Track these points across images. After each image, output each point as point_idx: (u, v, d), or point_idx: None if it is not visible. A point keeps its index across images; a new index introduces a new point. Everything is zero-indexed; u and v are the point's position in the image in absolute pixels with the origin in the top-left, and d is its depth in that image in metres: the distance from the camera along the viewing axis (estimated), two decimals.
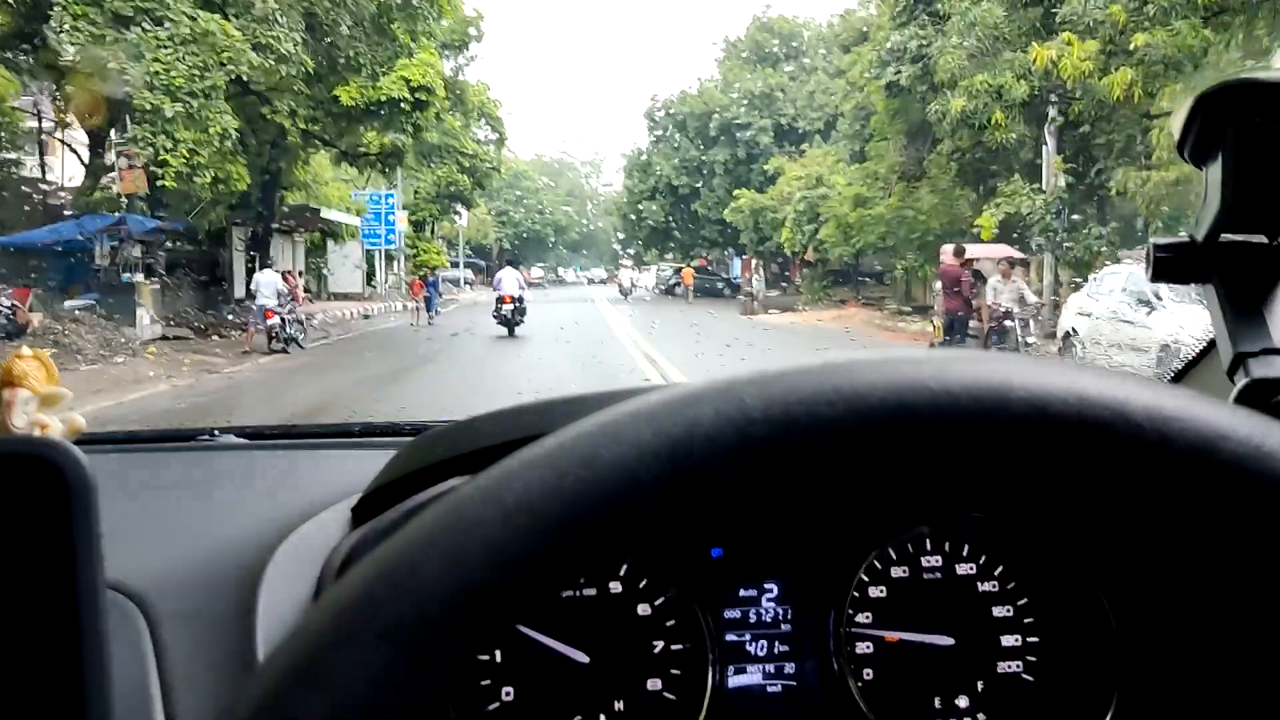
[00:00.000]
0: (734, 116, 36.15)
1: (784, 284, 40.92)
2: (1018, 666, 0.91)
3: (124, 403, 8.91)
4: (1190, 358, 0.97)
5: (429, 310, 18.69)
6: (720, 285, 41.29)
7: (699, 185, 37.28)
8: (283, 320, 13.31)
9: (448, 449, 0.86)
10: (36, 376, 0.78)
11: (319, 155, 22.71)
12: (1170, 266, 0.77)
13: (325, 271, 30.18)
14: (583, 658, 0.86)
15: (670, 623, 0.88)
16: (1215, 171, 0.71)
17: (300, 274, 28.30)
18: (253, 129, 14.85)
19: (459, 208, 38.53)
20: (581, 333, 16.76)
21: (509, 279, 17.03)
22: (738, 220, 32.85)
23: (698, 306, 30.78)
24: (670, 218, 37.99)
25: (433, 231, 36.68)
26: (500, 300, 16.67)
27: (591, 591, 0.88)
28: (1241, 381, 0.71)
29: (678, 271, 39.11)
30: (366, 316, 23.83)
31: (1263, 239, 0.73)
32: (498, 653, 0.85)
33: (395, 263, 34.23)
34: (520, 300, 16.72)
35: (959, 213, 20.30)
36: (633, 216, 39.30)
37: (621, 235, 51.26)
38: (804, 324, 21.29)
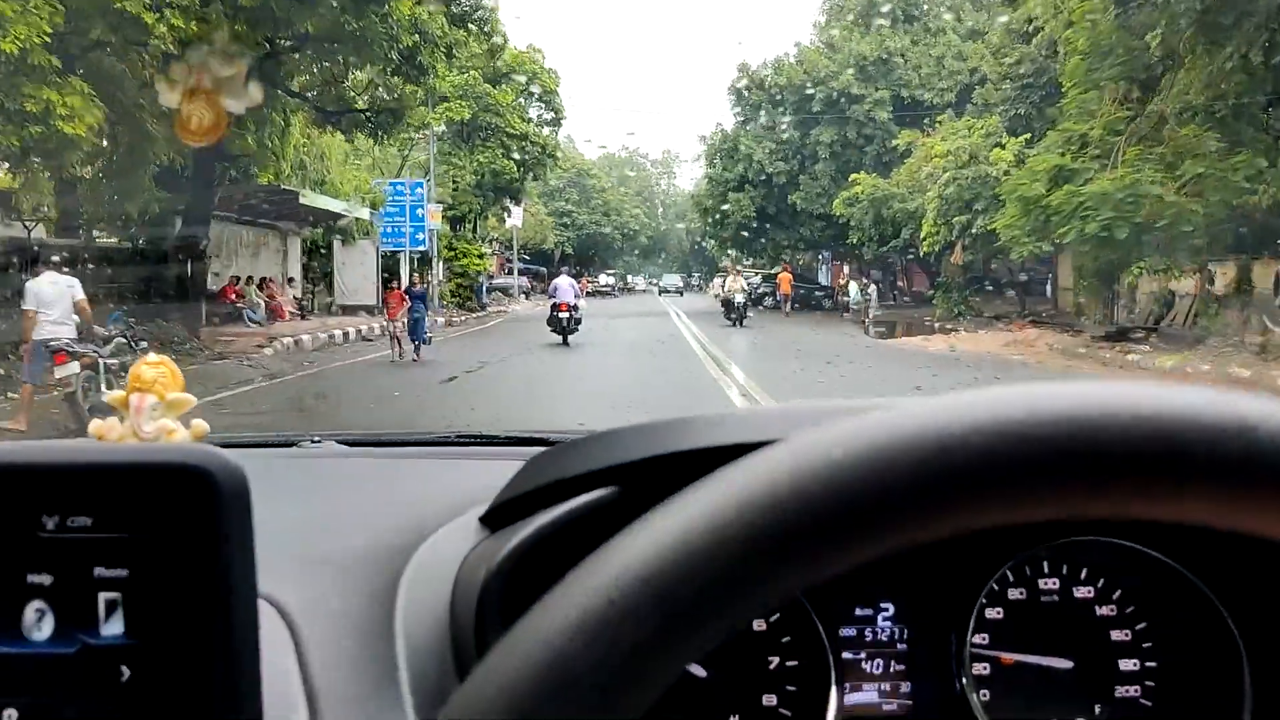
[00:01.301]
0: (843, 87, 29.19)
1: (888, 292, 33.89)
2: (1136, 691, 0.90)
3: None
4: None
5: (414, 339, 12.19)
6: (819, 295, 34.48)
7: (798, 173, 30.36)
8: (94, 368, 7.01)
9: (590, 461, 0.83)
10: (163, 383, 0.79)
11: (297, 115, 16.44)
12: None
13: (336, 278, 24.14)
14: (700, 672, 0.87)
15: (785, 639, 0.90)
16: None
17: (290, 281, 22.31)
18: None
19: (508, 203, 32.29)
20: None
21: (565, 287, 17.56)
22: (852, 214, 25.87)
23: (810, 326, 23.91)
24: (762, 212, 31.10)
25: (475, 230, 30.41)
26: (556, 308, 17.27)
27: None
28: None
29: (769, 279, 32.30)
30: (368, 338, 17.59)
31: None
32: None
33: (431, 268, 27.98)
34: (575, 309, 17.34)
35: (1233, 183, 13.19)
36: (715, 213, 32.51)
37: (699, 235, 44.82)
38: (997, 355, 14.40)
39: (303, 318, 20.28)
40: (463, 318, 26.36)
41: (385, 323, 13.40)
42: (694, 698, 0.87)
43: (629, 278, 62.70)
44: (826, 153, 29.55)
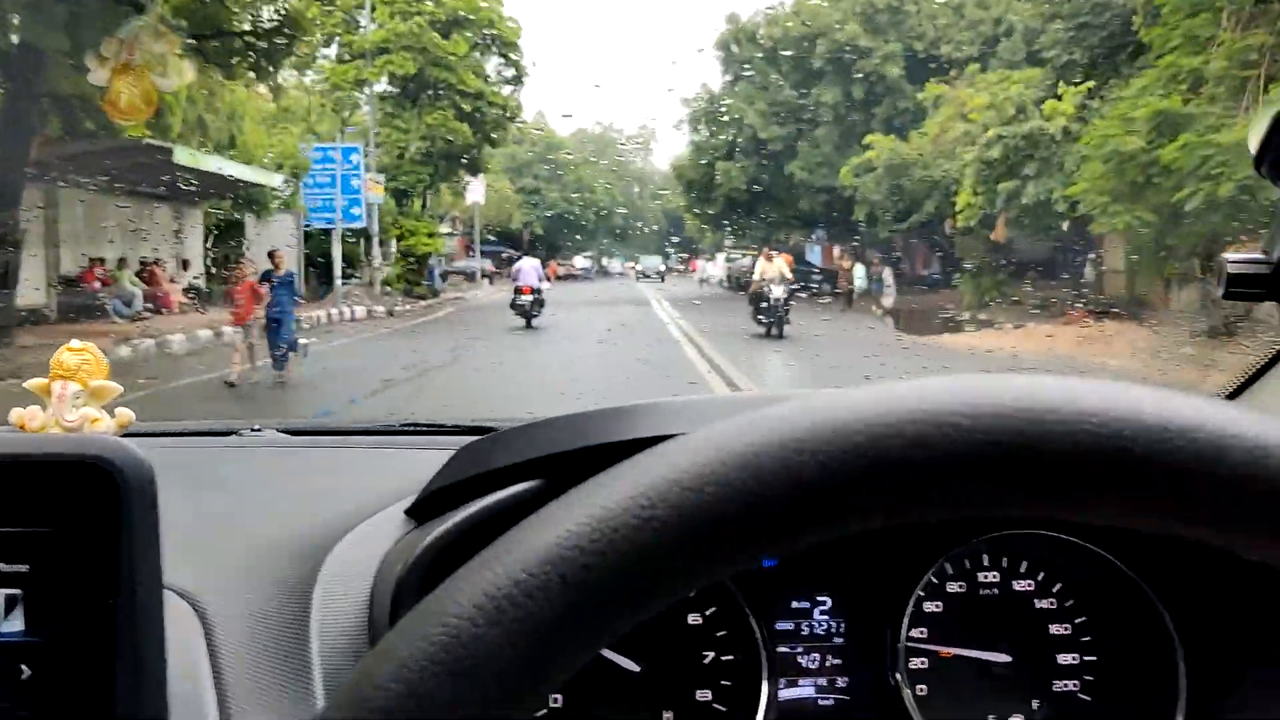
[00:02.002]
0: (848, 39, 25.50)
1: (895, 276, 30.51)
2: (1074, 685, 0.88)
3: None
4: (1251, 374, 0.93)
5: (276, 350, 8.37)
6: (817, 280, 30.92)
7: (796, 139, 26.65)
8: None
9: (517, 453, 0.79)
10: (87, 369, 0.77)
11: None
12: (1244, 283, 0.73)
13: (247, 260, 20.15)
14: (633, 666, 0.84)
15: (721, 633, 0.87)
16: None
17: (185, 264, 18.38)
18: None
19: (465, 176, 28.33)
20: None
21: (528, 270, 17.38)
22: (862, 184, 22.22)
23: (825, 321, 20.27)
24: (755, 184, 27.36)
25: (424, 206, 26.50)
26: (519, 291, 17.05)
27: None
28: None
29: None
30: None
31: None
32: None
33: (373, 249, 24.07)
34: (539, 292, 16.99)
35: None
36: (701, 185, 28.72)
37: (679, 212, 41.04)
38: (1088, 359, 10.77)
39: (200, 309, 16.36)
40: (409, 306, 22.55)
41: (231, 329, 9.52)
42: (627, 692, 0.84)
43: (604, 260, 59.28)
44: (829, 115, 25.87)
